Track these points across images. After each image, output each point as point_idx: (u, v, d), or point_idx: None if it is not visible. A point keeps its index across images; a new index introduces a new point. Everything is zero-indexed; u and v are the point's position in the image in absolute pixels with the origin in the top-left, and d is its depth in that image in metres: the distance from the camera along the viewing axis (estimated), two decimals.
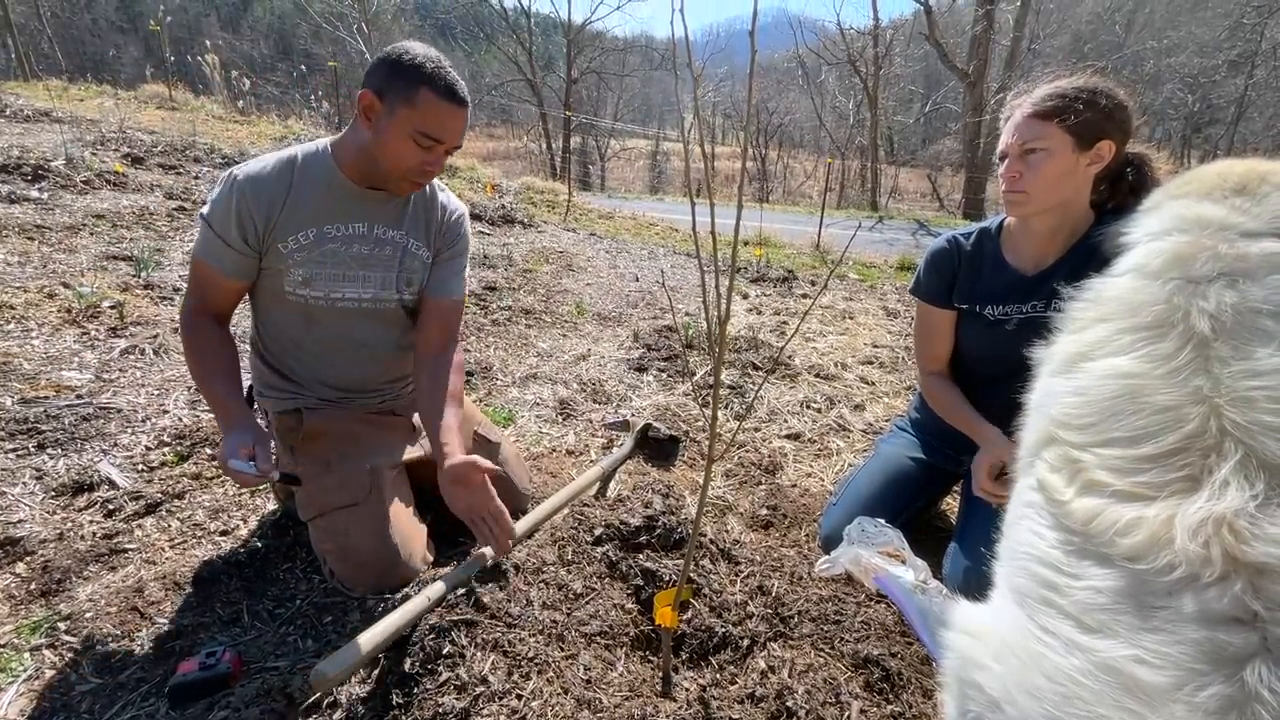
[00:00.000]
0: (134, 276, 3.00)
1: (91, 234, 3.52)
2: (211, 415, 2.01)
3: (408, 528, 1.40)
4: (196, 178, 5.22)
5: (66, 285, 2.71)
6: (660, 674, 1.11)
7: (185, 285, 1.36)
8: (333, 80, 11.90)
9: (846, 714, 1.00)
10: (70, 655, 1.16)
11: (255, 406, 1.53)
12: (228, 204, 1.28)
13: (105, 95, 8.97)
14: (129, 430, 1.87)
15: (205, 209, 1.30)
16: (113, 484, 1.63)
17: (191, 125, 7.35)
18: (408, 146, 1.26)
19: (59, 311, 2.48)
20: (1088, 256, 1.34)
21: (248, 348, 1.53)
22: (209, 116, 8.95)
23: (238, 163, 6.50)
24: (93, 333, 2.39)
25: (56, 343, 2.27)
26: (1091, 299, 1.01)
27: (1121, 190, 1.40)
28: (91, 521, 1.50)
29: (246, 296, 1.42)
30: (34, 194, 3.96)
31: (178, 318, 1.33)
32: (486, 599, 1.14)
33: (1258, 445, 0.74)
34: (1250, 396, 0.76)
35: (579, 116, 24.63)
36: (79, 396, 1.98)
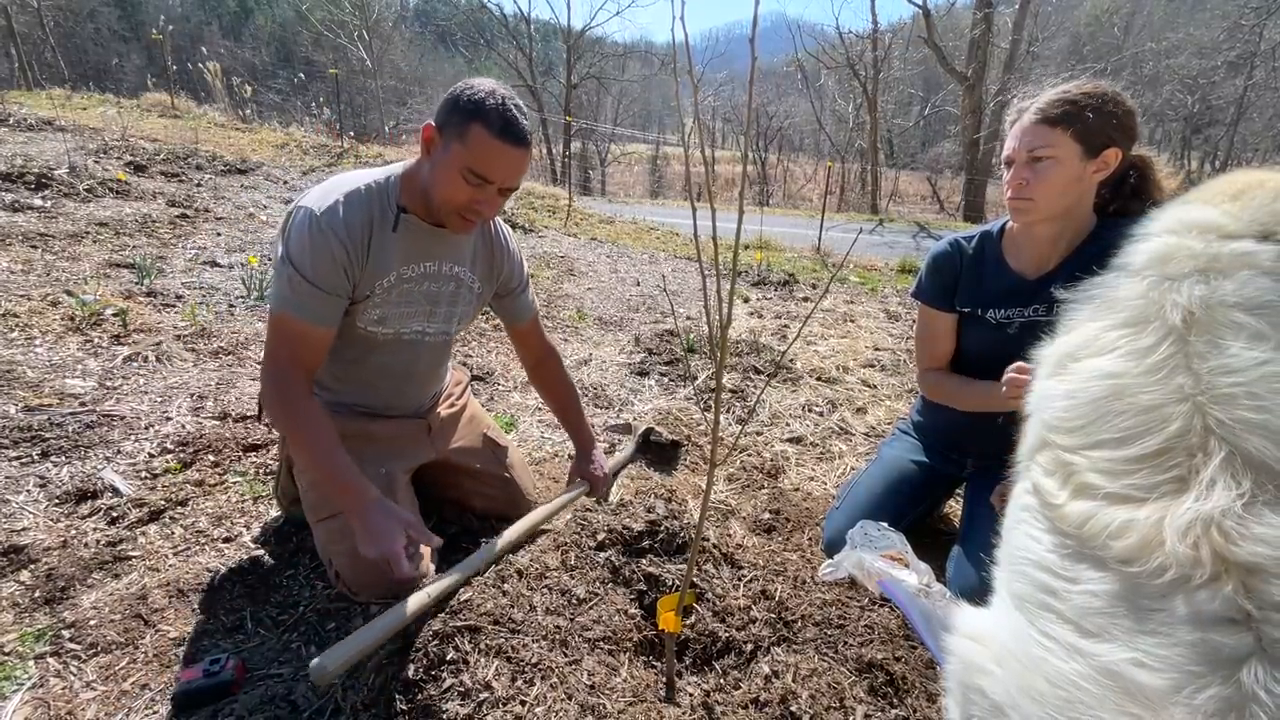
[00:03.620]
0: (137, 284, 3.01)
1: (94, 242, 3.54)
2: (213, 426, 2.02)
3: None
4: (199, 185, 5.25)
5: (70, 293, 2.73)
6: (664, 679, 1.11)
7: (266, 340, 1.26)
8: (334, 87, 11.95)
9: (850, 718, 1.00)
10: (74, 663, 1.16)
11: (262, 418, 1.53)
12: (324, 249, 1.22)
13: (108, 104, 9.02)
14: (132, 438, 1.87)
15: (290, 255, 1.21)
16: (116, 491, 1.63)
17: (194, 133, 7.39)
18: (458, 183, 1.22)
19: (62, 319, 2.49)
20: (1090, 260, 1.35)
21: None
22: (211, 124, 9.00)
23: (240, 170, 6.46)
24: (96, 340, 2.40)
25: (60, 350, 2.28)
26: (1081, 299, 1.03)
27: (1123, 194, 1.41)
28: (95, 529, 1.51)
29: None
30: (37, 202, 3.98)
31: (266, 388, 1.26)
32: (489, 605, 1.14)
33: (1241, 443, 0.74)
34: (1230, 394, 0.77)
35: (579, 122, 24.71)
36: (82, 404, 1.99)
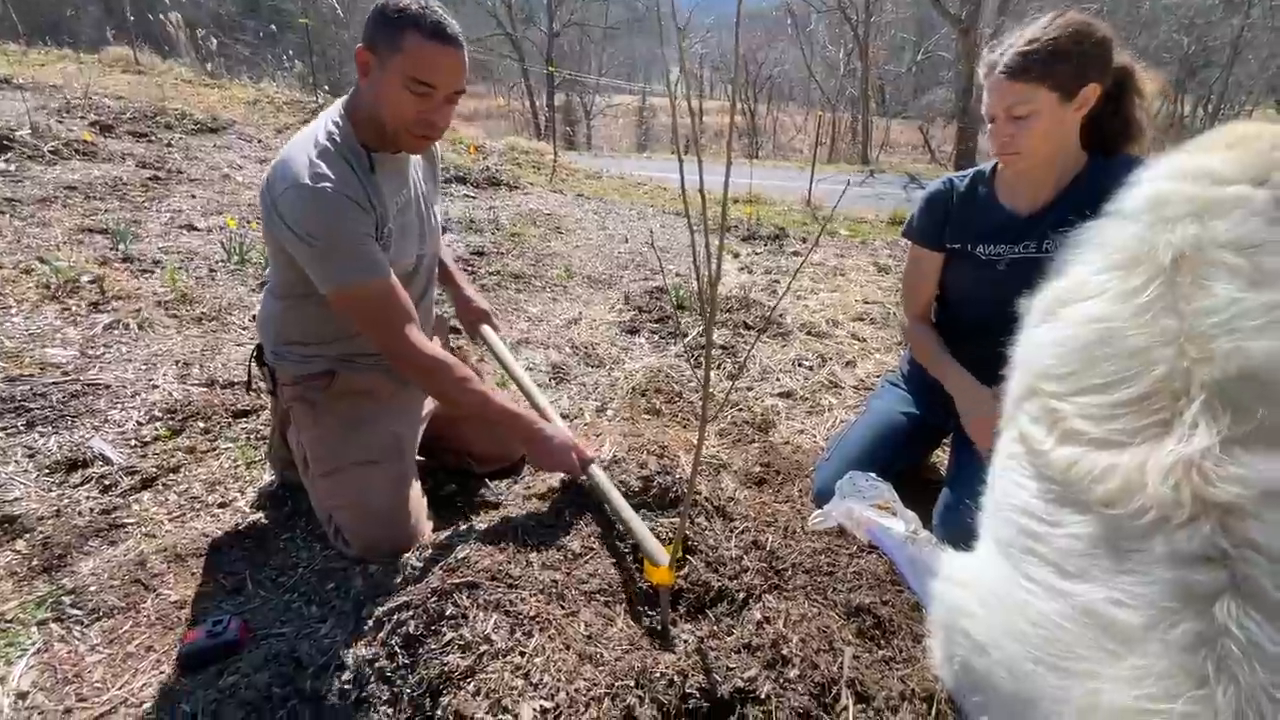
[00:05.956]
0: (111, 249, 2.93)
1: (64, 206, 3.42)
2: (200, 392, 2.00)
3: (416, 493, 1.44)
4: (169, 145, 5.06)
5: (42, 260, 2.65)
6: (659, 627, 1.14)
7: (380, 316, 1.24)
8: (305, 39, 11.42)
9: (839, 660, 1.04)
10: (77, 628, 1.18)
11: (261, 369, 1.49)
12: (339, 208, 1.19)
13: (67, 60, 8.60)
14: (119, 406, 1.86)
15: (315, 234, 1.18)
16: (106, 460, 1.63)
17: (160, 90, 7.09)
18: (404, 96, 1.21)
19: (37, 287, 2.43)
20: (1081, 200, 1.34)
21: (270, 308, 1.43)
22: (177, 80, 8.61)
23: (211, 129, 6.20)
24: (74, 308, 2.35)
25: (37, 319, 2.24)
26: (1073, 244, 1.04)
27: (1105, 113, 1.38)
28: (88, 498, 1.51)
29: (284, 267, 1.32)
30: (1, 165, 3.83)
31: (406, 355, 1.26)
32: (486, 561, 1.16)
33: (1218, 380, 0.76)
34: (1210, 333, 0.78)
35: (562, 72, 23.90)
36: (65, 374, 1.96)
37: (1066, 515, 0.83)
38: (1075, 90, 1.27)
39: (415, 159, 1.46)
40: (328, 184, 1.18)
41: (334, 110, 1.31)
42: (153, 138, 5.17)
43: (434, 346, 1.31)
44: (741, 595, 1.19)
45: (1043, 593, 0.82)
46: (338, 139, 1.26)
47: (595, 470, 1.35)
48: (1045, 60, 1.24)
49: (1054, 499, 0.86)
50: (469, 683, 0.93)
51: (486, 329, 1.77)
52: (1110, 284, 0.92)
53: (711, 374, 1.16)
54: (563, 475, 1.48)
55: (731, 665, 1.03)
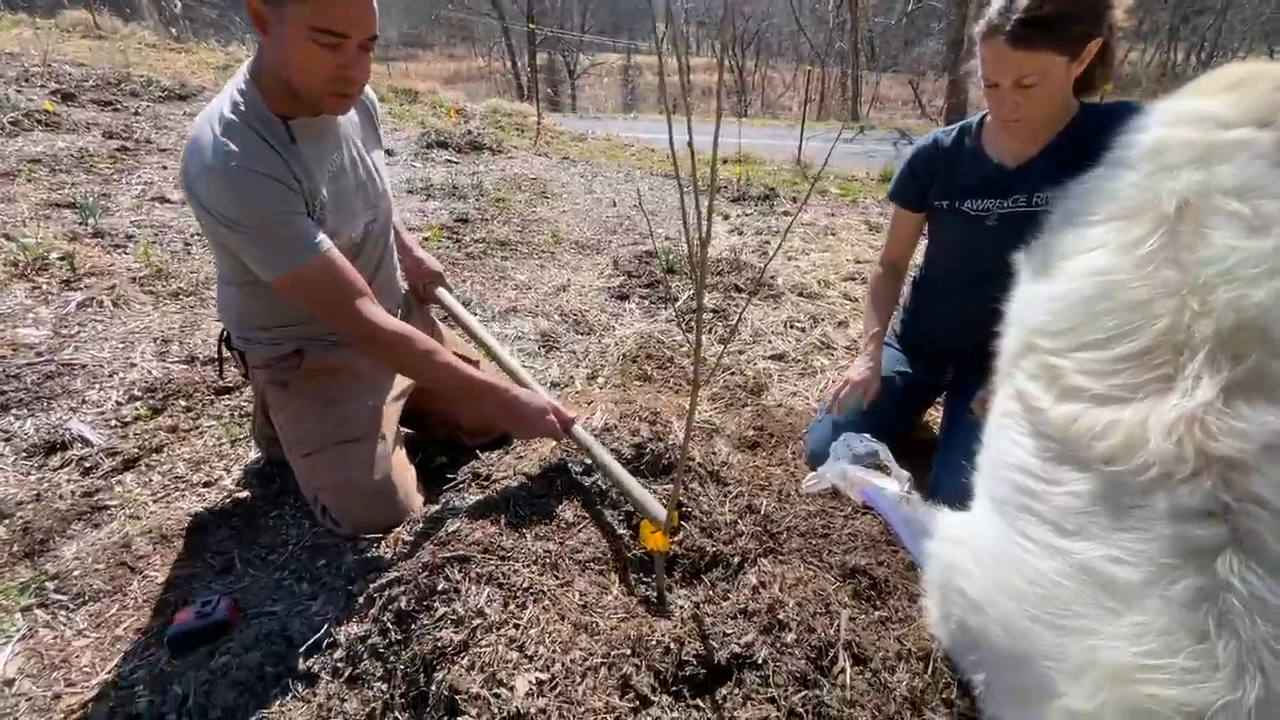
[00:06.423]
0: (81, 225, 2.83)
1: (28, 180, 3.29)
2: (181, 370, 1.95)
3: (402, 467, 1.41)
4: (136, 114, 4.86)
5: (9, 237, 2.55)
6: (654, 594, 1.13)
7: (327, 296, 1.17)
8: None
9: (836, 623, 1.04)
10: (63, 613, 1.16)
11: (230, 353, 1.45)
12: (257, 186, 1.09)
13: (23, 24, 8.20)
14: (96, 386, 1.81)
15: (241, 220, 1.09)
16: (86, 441, 1.59)
17: (123, 55, 6.78)
18: (311, 51, 1.06)
19: (4, 265, 2.34)
20: (1070, 148, 1.30)
21: (226, 295, 1.37)
22: (141, 45, 8.24)
23: (180, 96, 5.95)
24: (44, 287, 2.27)
25: (6, 299, 2.16)
26: (1070, 195, 1.02)
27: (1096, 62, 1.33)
28: (69, 480, 1.47)
29: (228, 254, 1.23)
30: None
31: (360, 332, 1.20)
32: (477, 534, 1.14)
33: (1219, 331, 0.74)
34: (1213, 283, 0.76)
35: (544, 30, 23.10)
36: (38, 354, 1.90)
37: (1065, 473, 0.82)
38: (1080, 51, 1.22)
39: (348, 115, 1.33)
40: (236, 162, 1.07)
41: (239, 77, 1.17)
42: (118, 106, 4.97)
43: (393, 320, 1.23)
44: (736, 560, 1.19)
45: (1040, 550, 0.81)
46: (243, 109, 1.13)
47: (579, 430, 1.31)
48: (1053, 25, 1.18)
49: (1052, 457, 0.85)
50: (463, 657, 0.92)
51: (443, 291, 1.70)
52: (1110, 236, 0.89)
53: (703, 338, 1.13)
54: (552, 443, 1.46)
55: (728, 631, 1.02)
